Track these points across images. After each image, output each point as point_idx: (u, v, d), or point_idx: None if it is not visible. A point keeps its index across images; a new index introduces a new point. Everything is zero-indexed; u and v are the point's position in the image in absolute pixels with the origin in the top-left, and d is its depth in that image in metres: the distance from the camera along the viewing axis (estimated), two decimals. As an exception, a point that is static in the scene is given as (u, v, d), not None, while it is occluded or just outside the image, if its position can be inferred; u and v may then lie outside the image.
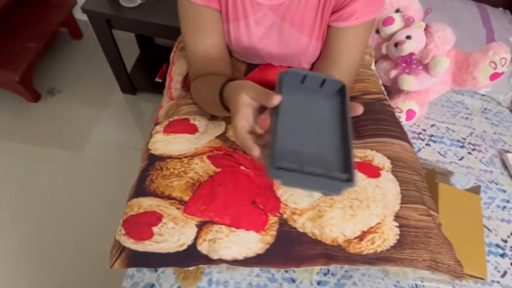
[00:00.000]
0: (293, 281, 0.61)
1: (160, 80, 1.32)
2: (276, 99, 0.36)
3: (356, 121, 0.66)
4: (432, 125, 1.00)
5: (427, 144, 0.95)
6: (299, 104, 0.39)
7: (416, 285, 0.65)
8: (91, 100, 1.37)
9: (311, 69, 0.66)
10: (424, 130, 0.99)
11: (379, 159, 0.59)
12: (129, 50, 1.37)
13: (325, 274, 0.63)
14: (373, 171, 0.56)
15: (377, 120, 0.66)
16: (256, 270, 0.61)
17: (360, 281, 0.63)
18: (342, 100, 0.40)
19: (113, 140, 1.26)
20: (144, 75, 1.37)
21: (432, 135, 0.98)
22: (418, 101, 0.95)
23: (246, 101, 0.39)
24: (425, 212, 0.54)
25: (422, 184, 0.59)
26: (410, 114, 0.95)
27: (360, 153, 0.60)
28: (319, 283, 0.62)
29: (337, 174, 0.33)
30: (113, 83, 1.34)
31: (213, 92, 0.50)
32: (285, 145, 0.35)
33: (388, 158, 0.60)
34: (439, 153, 0.93)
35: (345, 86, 0.40)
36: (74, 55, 1.49)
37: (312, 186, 0.35)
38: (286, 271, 0.62)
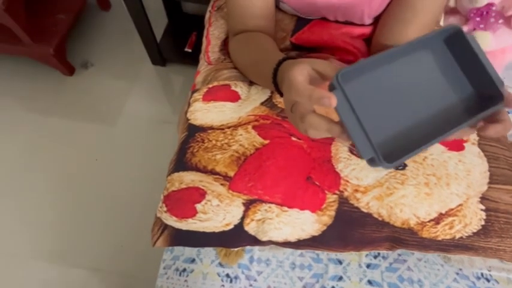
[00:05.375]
0: (340, 262, 0.56)
1: (190, 50, 1.27)
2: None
3: None
4: (505, 92, 0.86)
5: (498, 115, 0.82)
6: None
7: (482, 274, 0.57)
8: (122, 72, 1.36)
9: (375, 26, 0.55)
10: (494, 98, 0.85)
11: None
12: (157, 20, 1.32)
13: (375, 257, 0.57)
14: (455, 143, 0.47)
15: None
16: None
17: (416, 266, 0.56)
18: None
19: (144, 113, 1.26)
20: (173, 46, 1.32)
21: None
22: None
23: (306, 72, 0.32)
24: None
25: None
26: (481, 80, 0.81)
27: None
28: (368, 266, 0.56)
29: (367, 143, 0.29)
30: (143, 54, 1.31)
31: (259, 55, 0.44)
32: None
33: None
34: (513, 125, 0.80)
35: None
36: (104, 27, 1.47)
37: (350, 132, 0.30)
38: (333, 251, 0.57)
